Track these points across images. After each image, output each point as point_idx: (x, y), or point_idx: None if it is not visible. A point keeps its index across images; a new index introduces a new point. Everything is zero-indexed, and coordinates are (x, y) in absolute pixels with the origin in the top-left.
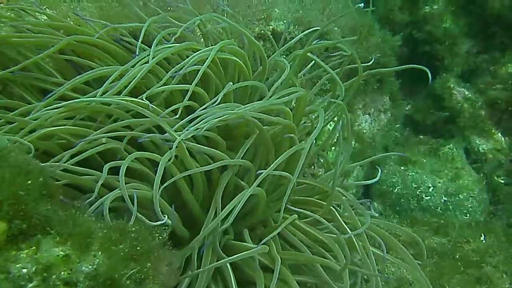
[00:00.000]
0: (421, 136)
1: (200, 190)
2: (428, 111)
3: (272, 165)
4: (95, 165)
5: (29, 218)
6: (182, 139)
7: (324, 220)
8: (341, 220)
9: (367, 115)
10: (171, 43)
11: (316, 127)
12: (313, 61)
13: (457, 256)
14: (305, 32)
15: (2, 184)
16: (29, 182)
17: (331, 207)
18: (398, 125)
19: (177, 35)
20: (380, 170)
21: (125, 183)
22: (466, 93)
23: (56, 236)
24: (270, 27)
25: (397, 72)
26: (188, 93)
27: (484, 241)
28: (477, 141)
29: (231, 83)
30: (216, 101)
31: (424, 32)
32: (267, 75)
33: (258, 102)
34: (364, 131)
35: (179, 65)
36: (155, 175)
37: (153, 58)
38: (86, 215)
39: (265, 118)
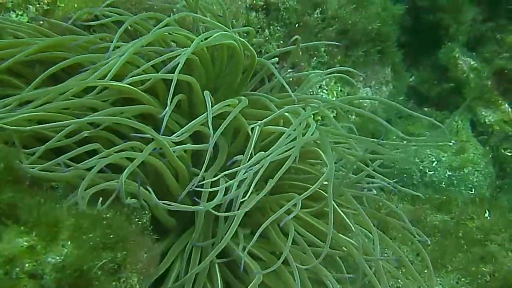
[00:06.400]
0: (425, 108)
1: (186, 180)
2: (433, 82)
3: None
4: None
5: None
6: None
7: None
8: (342, 214)
9: (368, 88)
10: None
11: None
12: None
13: (460, 234)
14: None
15: None
16: None
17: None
18: (401, 98)
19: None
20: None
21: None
22: (472, 62)
23: (21, 225)
24: None
25: (399, 41)
26: (173, 82)
27: (488, 218)
28: (483, 113)
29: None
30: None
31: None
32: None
33: None
34: (365, 104)
35: (159, 58)
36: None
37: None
38: (54, 203)
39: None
